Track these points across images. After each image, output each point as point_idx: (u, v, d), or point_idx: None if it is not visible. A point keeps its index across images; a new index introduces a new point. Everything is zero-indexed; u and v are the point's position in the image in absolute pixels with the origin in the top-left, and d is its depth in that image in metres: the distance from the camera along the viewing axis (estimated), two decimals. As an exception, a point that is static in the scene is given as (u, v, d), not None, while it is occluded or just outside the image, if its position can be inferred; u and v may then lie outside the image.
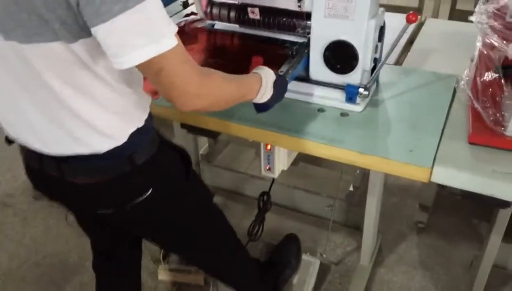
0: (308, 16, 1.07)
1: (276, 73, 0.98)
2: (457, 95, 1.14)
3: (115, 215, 0.95)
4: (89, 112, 0.81)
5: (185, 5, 1.64)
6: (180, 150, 1.04)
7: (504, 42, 0.88)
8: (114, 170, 0.88)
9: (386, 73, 1.24)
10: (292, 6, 1.07)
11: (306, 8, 1.06)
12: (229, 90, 0.87)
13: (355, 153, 0.98)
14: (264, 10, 1.13)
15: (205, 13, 1.21)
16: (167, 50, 0.70)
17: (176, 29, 0.72)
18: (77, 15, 0.68)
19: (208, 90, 0.80)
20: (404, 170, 0.93)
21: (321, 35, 1.06)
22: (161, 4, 0.70)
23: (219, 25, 1.25)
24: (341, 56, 1.06)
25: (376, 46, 1.08)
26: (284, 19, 1.12)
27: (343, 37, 1.04)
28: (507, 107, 0.93)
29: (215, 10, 1.19)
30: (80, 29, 0.70)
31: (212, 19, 1.22)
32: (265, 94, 0.95)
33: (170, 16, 1.57)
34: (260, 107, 0.99)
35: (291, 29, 1.13)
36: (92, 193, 0.91)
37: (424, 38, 1.46)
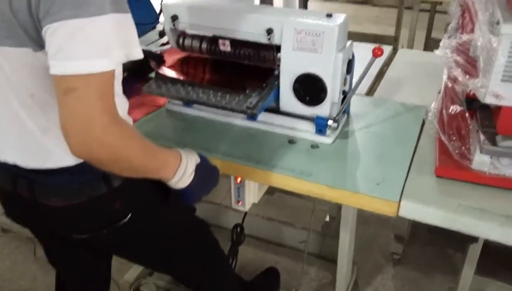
0: (278, 48, 1.07)
1: (203, 157, 0.88)
2: (425, 127, 1.15)
3: (91, 240, 0.91)
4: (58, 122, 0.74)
5: (161, 34, 1.64)
6: None
7: (467, 76, 0.89)
8: (88, 191, 0.83)
9: (357, 104, 1.25)
10: (262, 39, 1.07)
11: (275, 41, 1.07)
12: (137, 154, 0.75)
13: (324, 186, 0.97)
14: (235, 42, 1.13)
15: (177, 44, 1.21)
16: (93, 72, 0.66)
17: (119, 59, 0.70)
18: (36, 23, 0.68)
19: (113, 140, 0.69)
20: (371, 204, 0.92)
21: (290, 67, 1.07)
22: (120, 27, 0.69)
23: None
24: (310, 88, 1.07)
25: (345, 79, 1.09)
26: (254, 51, 1.12)
27: (311, 70, 1.04)
28: (472, 140, 0.94)
29: (187, 42, 1.19)
30: (41, 38, 0.69)
31: (184, 50, 1.22)
32: (182, 178, 0.84)
33: (147, 44, 1.61)
34: (181, 195, 0.87)
35: (262, 61, 1.14)
36: (66, 217, 0.87)
37: (396, 68, 1.49)
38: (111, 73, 0.69)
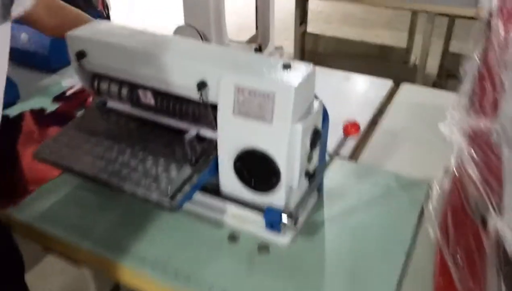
0: (214, 107, 0.76)
1: None
2: (425, 217, 0.82)
3: None
4: None
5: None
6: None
7: (483, 187, 0.56)
8: None
9: (335, 173, 0.92)
10: (192, 94, 0.76)
11: (211, 98, 0.75)
12: None
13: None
14: (159, 94, 0.82)
15: (92, 87, 0.90)
16: None
17: None
18: None
19: None
20: None
21: (229, 139, 0.75)
22: None
23: (112, 103, 0.93)
24: (257, 169, 0.75)
25: (310, 155, 0.77)
26: (185, 108, 0.81)
27: (258, 145, 0.72)
28: (489, 280, 0.61)
29: (104, 85, 0.88)
30: None
31: (99, 95, 0.91)
32: None
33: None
34: None
35: (196, 122, 0.82)
36: None
37: (395, 115, 1.15)
38: None
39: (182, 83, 0.76)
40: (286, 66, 0.71)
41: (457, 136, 0.64)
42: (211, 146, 0.80)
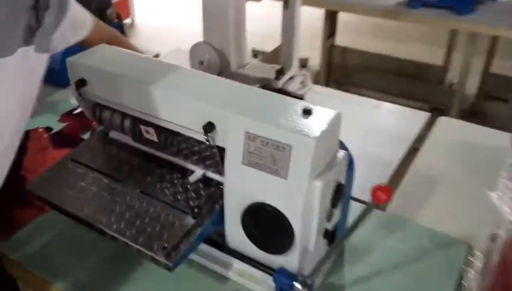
0: (222, 150, 0.66)
1: None
2: (464, 288, 0.70)
3: None
4: None
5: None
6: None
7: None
8: None
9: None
10: (198, 136, 0.66)
11: (219, 142, 0.66)
12: None
13: None
14: (163, 130, 0.73)
15: (93, 116, 0.82)
16: None
17: None
18: None
19: None
20: None
21: (238, 189, 0.65)
22: None
23: (114, 133, 0.85)
24: (267, 227, 0.64)
25: (330, 213, 0.66)
26: (190, 148, 0.71)
27: (270, 200, 0.62)
28: None
29: (105, 116, 0.80)
30: None
31: (101, 124, 0.83)
32: None
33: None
34: None
35: (201, 165, 0.73)
36: None
37: (430, 153, 1.02)
38: None
39: (187, 124, 0.67)
40: (307, 112, 0.61)
41: (510, 212, 0.53)
42: (218, 191, 0.70)
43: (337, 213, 0.68)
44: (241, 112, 0.62)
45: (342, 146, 0.67)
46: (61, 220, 0.84)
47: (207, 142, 0.65)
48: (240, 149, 0.62)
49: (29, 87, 0.64)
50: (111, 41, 0.85)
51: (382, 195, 0.54)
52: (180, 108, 0.67)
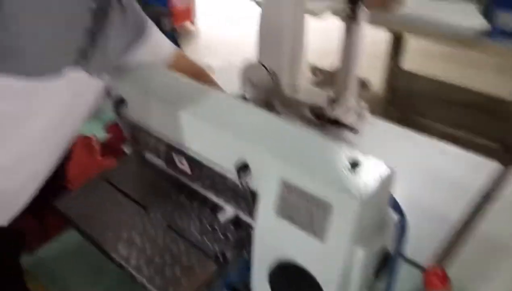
0: (255, 196, 0.59)
1: None
2: None
3: None
4: None
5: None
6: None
7: None
8: None
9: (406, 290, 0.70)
10: (230, 174, 0.60)
11: (252, 186, 0.58)
12: None
13: None
14: (195, 162, 0.67)
15: (131, 135, 0.78)
16: None
17: None
18: None
19: None
20: None
21: (268, 242, 0.57)
22: None
23: (149, 155, 0.81)
24: (297, 289, 0.56)
25: (372, 286, 0.56)
26: (222, 183, 0.65)
27: (302, 261, 0.54)
28: None
29: (142, 138, 0.75)
30: None
31: (137, 144, 0.79)
32: None
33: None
34: None
35: (235, 200, 0.66)
36: None
37: (500, 214, 0.87)
38: None
39: (219, 161, 0.61)
40: (354, 165, 0.52)
41: None
42: (247, 237, 0.63)
43: (381, 287, 0.58)
44: (279, 155, 0.55)
45: (395, 205, 0.57)
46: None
47: (241, 184, 0.59)
48: (274, 197, 0.55)
49: (77, 105, 0.63)
50: (194, 77, 0.75)
51: (437, 282, 0.44)
52: (212, 141, 0.61)
